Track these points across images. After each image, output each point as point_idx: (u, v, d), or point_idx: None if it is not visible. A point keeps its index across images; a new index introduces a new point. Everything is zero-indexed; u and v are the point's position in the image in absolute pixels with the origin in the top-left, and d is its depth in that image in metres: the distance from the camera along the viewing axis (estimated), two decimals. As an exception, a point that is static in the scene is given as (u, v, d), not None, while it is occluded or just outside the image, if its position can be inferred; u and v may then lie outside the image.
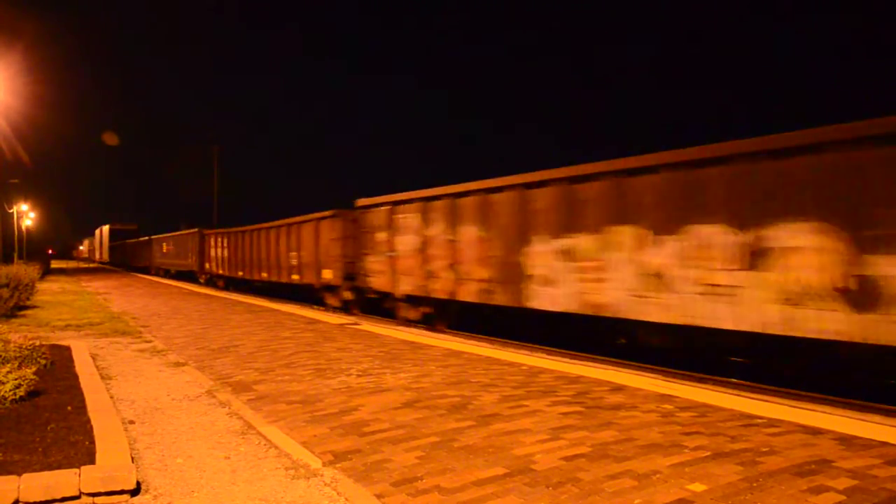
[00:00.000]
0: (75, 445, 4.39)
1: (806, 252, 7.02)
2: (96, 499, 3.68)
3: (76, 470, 3.74)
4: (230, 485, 4.08)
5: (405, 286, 14.04)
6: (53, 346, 8.83)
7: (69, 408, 5.42)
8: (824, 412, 5.74)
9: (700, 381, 7.96)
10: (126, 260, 57.57)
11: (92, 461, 4.02)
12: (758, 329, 7.43)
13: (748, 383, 7.95)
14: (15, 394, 5.51)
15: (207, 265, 30.48)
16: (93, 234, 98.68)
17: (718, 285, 7.85)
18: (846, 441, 4.76)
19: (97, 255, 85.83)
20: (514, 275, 10.95)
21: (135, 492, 3.85)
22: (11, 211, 50.78)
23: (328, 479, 4.14)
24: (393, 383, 6.99)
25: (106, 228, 74.69)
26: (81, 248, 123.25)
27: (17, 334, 9.19)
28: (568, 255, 9.93)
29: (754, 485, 3.89)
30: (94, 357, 8.48)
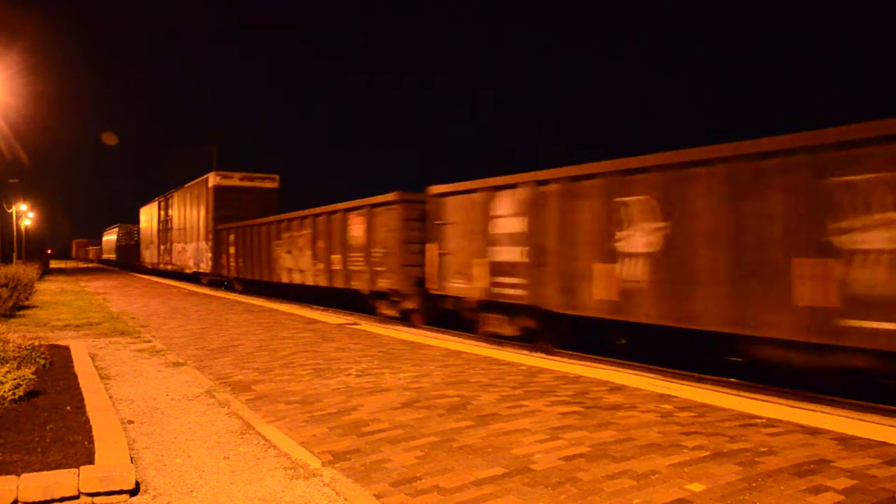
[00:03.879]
0: (74, 445, 4.39)
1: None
2: (95, 499, 3.68)
3: (75, 470, 3.73)
4: (229, 485, 4.07)
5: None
6: (52, 346, 8.82)
7: (68, 408, 5.42)
8: (823, 412, 5.75)
9: (699, 380, 7.96)
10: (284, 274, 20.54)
11: (91, 461, 4.01)
12: None
13: (747, 383, 7.95)
14: (14, 394, 5.51)
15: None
16: (113, 226, 62.11)
17: None
18: (845, 441, 4.77)
19: (148, 258, 43.41)
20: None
21: (134, 492, 3.85)
22: (10, 211, 50.75)
23: (327, 479, 4.14)
24: (392, 383, 6.99)
25: (208, 179, 29.12)
26: (101, 242, 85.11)
27: (15, 334, 9.20)
28: None
29: (753, 485, 3.89)
30: (93, 357, 8.47)
